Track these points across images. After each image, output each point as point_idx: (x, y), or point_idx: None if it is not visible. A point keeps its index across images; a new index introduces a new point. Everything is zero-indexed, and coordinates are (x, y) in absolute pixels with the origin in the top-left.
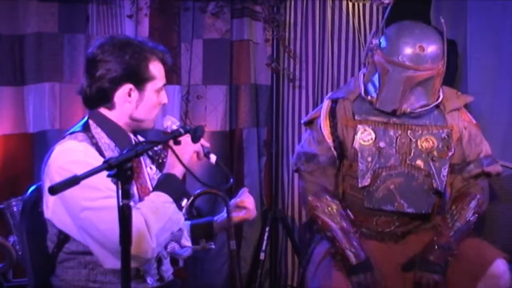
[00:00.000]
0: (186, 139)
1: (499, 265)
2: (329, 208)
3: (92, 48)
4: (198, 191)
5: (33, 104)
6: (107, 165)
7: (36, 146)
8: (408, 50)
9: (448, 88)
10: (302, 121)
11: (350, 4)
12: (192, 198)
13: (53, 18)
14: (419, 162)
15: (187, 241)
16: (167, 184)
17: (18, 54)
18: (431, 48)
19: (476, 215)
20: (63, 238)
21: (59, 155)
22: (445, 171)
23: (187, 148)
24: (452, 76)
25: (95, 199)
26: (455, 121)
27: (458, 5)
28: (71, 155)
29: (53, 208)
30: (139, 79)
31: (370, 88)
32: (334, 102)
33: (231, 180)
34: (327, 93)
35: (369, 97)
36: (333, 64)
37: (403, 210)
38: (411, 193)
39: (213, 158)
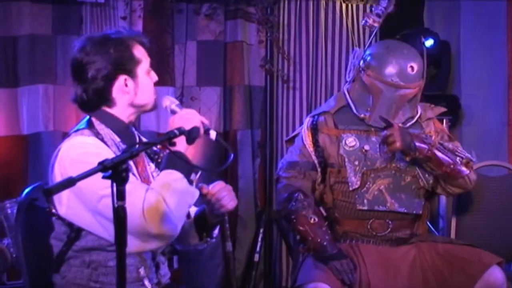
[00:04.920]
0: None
1: (495, 272)
2: (301, 204)
3: (74, 53)
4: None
5: (26, 105)
6: (102, 167)
7: (30, 148)
8: (400, 70)
9: (422, 103)
10: (285, 139)
11: (344, 5)
12: (199, 172)
13: (47, 20)
14: (403, 164)
15: (195, 239)
16: (174, 161)
17: (11, 55)
18: (418, 67)
19: (459, 160)
20: (74, 236)
21: (69, 150)
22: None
23: (191, 121)
24: (446, 77)
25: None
26: (431, 127)
27: (451, 6)
28: (82, 147)
29: (67, 203)
30: (130, 68)
31: (360, 105)
32: (315, 117)
33: (231, 156)
34: (321, 94)
35: (362, 115)
36: (327, 65)
37: (395, 209)
38: (401, 193)
39: (213, 134)
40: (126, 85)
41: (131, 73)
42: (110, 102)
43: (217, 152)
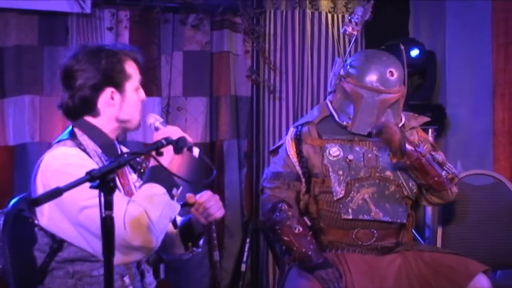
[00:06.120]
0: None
1: (481, 280)
2: (286, 215)
3: (66, 59)
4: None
5: (13, 117)
6: (90, 177)
7: (16, 158)
8: (380, 76)
9: (406, 112)
10: (269, 150)
11: (329, 16)
12: (181, 188)
13: (33, 31)
14: (388, 173)
15: (181, 248)
16: (156, 175)
17: None
18: (398, 72)
19: (445, 175)
20: (57, 247)
21: (52, 160)
22: (413, 180)
23: (176, 135)
24: (431, 87)
25: (93, 197)
26: (414, 136)
27: (436, 16)
28: (65, 158)
29: (49, 214)
30: (118, 81)
31: (342, 114)
32: (299, 128)
33: (214, 172)
34: (307, 104)
35: (344, 123)
36: (313, 75)
37: (379, 218)
38: (385, 202)
39: (196, 151)
40: (112, 98)
41: (119, 87)
42: (94, 112)
43: (201, 167)
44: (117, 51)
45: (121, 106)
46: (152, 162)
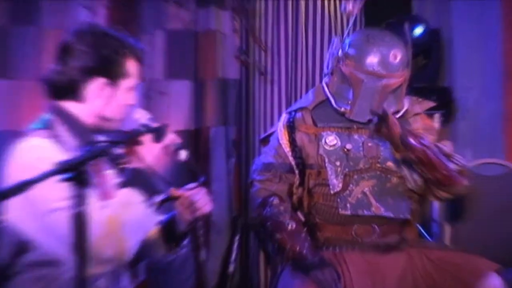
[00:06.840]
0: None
1: (493, 279)
2: (277, 210)
3: (70, 34)
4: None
5: None
6: (60, 168)
7: None
8: (382, 59)
9: (409, 97)
10: (259, 138)
11: None
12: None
13: (1, 9)
14: (389, 164)
15: (162, 249)
16: (135, 180)
17: None
18: (401, 55)
19: (453, 167)
20: (23, 247)
21: (23, 153)
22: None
23: (153, 145)
24: (437, 68)
25: (66, 199)
26: (418, 123)
27: None
28: (37, 152)
29: (16, 211)
30: (115, 75)
31: (340, 99)
32: (292, 114)
33: (202, 179)
34: (301, 88)
35: (342, 109)
36: (308, 56)
37: (380, 213)
38: (387, 196)
39: (183, 154)
40: (102, 89)
41: (113, 82)
42: (78, 97)
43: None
44: (124, 45)
45: (109, 102)
46: (134, 163)
